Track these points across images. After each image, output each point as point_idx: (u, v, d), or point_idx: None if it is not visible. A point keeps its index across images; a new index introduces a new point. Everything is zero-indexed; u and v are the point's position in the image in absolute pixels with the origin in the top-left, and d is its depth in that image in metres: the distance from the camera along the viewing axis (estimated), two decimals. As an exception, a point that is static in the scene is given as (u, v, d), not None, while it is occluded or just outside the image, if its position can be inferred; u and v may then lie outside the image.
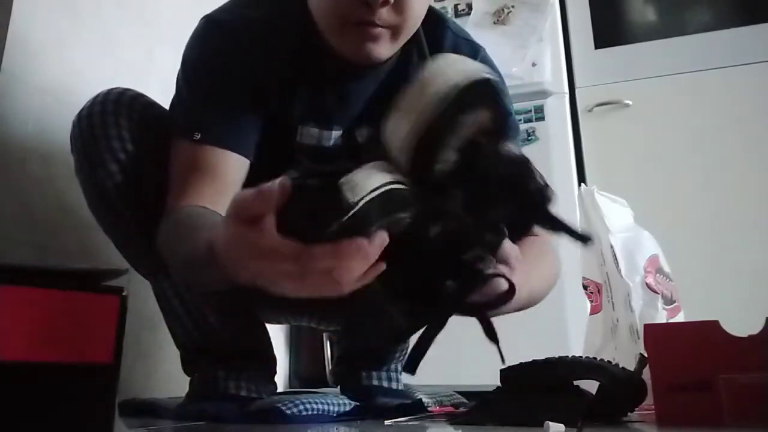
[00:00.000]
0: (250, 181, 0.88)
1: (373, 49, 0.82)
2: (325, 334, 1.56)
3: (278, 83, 0.89)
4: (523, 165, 0.57)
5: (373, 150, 0.90)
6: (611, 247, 1.05)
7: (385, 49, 0.83)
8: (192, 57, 0.89)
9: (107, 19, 1.33)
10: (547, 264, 0.85)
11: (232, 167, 0.85)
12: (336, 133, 0.93)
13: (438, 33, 0.91)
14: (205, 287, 0.82)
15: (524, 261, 0.66)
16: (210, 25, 0.89)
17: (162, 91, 1.43)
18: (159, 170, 0.88)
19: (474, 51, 0.97)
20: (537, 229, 0.90)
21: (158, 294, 0.96)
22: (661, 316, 1.01)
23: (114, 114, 0.87)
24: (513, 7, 2.06)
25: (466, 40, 0.98)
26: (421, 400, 0.98)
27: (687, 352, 0.72)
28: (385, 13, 0.79)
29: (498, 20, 2.07)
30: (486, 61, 0.97)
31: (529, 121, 1.96)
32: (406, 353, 1.08)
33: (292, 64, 0.89)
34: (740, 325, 0.71)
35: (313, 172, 0.95)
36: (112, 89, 0.91)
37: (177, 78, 0.90)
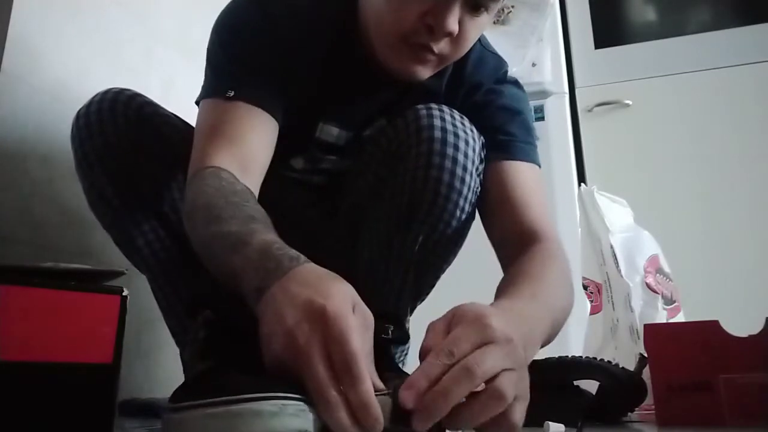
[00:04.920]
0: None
1: (419, 71, 0.83)
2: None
3: (308, 75, 0.89)
4: None
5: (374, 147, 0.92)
6: (611, 247, 1.06)
7: (429, 72, 0.85)
8: (230, 23, 0.88)
9: (107, 19, 1.33)
10: (555, 278, 0.76)
11: (263, 127, 0.83)
12: (352, 134, 0.94)
13: None
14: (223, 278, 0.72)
15: (514, 306, 0.62)
16: (252, 3, 0.88)
17: (162, 90, 1.44)
18: (156, 167, 0.89)
19: (499, 65, 0.97)
20: (539, 234, 0.86)
21: (155, 290, 0.96)
22: (661, 316, 1.01)
23: (110, 112, 0.88)
24: (513, 7, 2.05)
25: (493, 54, 0.98)
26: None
27: (687, 352, 0.72)
28: (443, 44, 0.80)
29: (498, 20, 2.07)
30: (508, 77, 0.97)
31: (529, 121, 1.97)
32: (406, 353, 1.08)
33: (325, 63, 0.89)
34: (740, 325, 0.71)
35: (315, 169, 0.96)
36: (110, 89, 0.91)
37: (208, 47, 0.90)
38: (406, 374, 0.59)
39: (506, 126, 0.92)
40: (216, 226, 0.66)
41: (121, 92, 0.91)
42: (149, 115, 0.91)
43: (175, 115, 0.96)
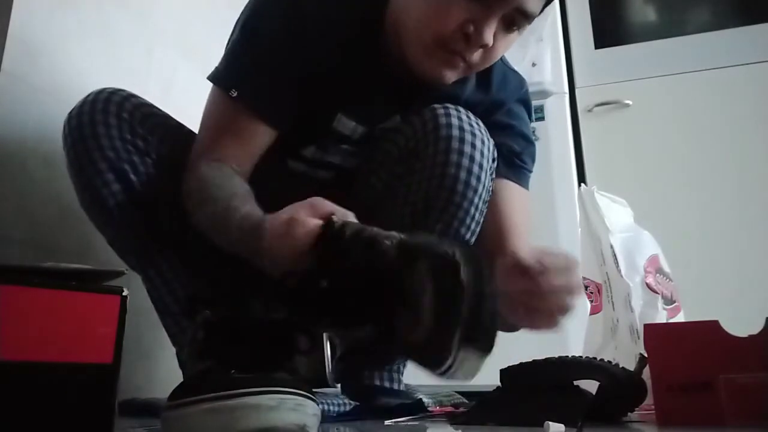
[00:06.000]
0: (274, 148, 0.91)
1: (446, 75, 0.85)
2: (325, 334, 1.55)
3: (331, 70, 0.90)
4: None
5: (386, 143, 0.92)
6: (611, 247, 1.05)
7: (454, 78, 0.87)
8: (256, 16, 0.89)
9: (107, 19, 1.33)
10: None
11: (259, 136, 0.88)
12: (367, 129, 0.95)
13: None
14: (224, 248, 0.84)
15: None
16: None
17: (162, 90, 1.44)
18: (150, 168, 0.89)
19: (520, 83, 1.02)
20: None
21: (149, 290, 0.96)
22: (661, 316, 1.01)
23: (103, 113, 0.87)
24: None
25: (514, 72, 1.01)
26: (421, 400, 0.98)
27: (687, 352, 0.72)
28: (476, 53, 0.83)
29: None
30: (528, 95, 1.02)
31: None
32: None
33: (349, 56, 0.90)
34: (740, 325, 0.71)
35: (323, 161, 0.97)
36: (103, 89, 0.91)
37: (235, 24, 0.91)
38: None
39: (522, 154, 0.97)
40: (206, 206, 0.81)
41: (114, 92, 0.90)
42: (144, 115, 0.91)
43: (170, 116, 0.95)
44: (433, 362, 0.51)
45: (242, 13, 0.91)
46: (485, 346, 0.50)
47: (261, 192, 0.92)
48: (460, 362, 0.50)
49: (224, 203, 0.77)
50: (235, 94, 0.86)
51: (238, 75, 0.88)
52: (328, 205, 0.65)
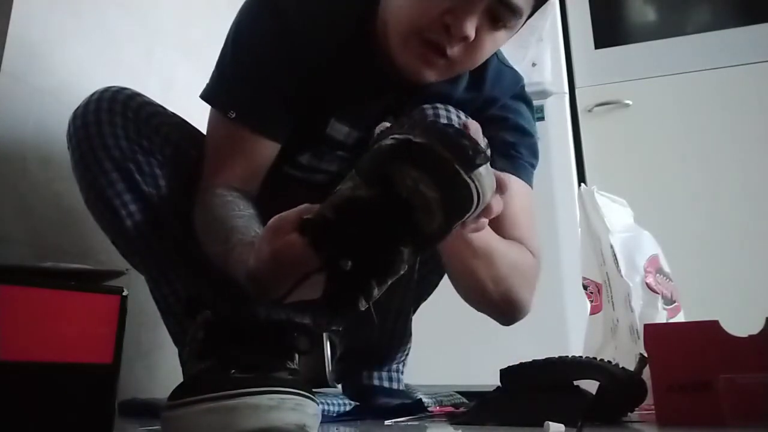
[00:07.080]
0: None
1: (425, 71, 0.83)
2: (325, 334, 1.56)
3: (322, 75, 0.89)
4: None
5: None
6: (611, 247, 1.05)
7: (435, 76, 0.85)
8: (243, 31, 0.89)
9: (107, 19, 1.33)
10: (521, 257, 0.85)
11: (263, 151, 0.89)
12: (360, 134, 0.94)
13: None
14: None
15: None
16: (266, 4, 0.88)
17: (162, 90, 1.44)
18: (155, 167, 0.89)
19: (516, 80, 0.98)
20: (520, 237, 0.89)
21: (152, 289, 0.96)
22: (661, 316, 1.01)
23: (108, 112, 0.87)
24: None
25: (510, 69, 0.99)
26: (421, 400, 0.98)
27: (687, 352, 0.72)
28: (456, 49, 0.80)
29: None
30: (524, 91, 0.99)
31: (529, 121, 1.97)
32: (407, 353, 1.08)
33: (340, 60, 0.89)
34: (740, 325, 0.71)
35: (319, 168, 0.96)
36: (108, 87, 0.91)
37: (225, 42, 0.91)
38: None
39: (517, 145, 0.94)
40: (208, 240, 0.82)
41: (119, 91, 0.90)
42: (149, 114, 0.91)
43: (174, 114, 0.96)
44: (471, 206, 0.52)
45: (232, 24, 0.90)
46: (483, 158, 0.50)
47: (261, 197, 0.92)
48: (480, 185, 0.51)
49: (224, 245, 0.74)
50: (233, 116, 0.86)
51: (234, 94, 0.87)
52: (289, 217, 0.59)
